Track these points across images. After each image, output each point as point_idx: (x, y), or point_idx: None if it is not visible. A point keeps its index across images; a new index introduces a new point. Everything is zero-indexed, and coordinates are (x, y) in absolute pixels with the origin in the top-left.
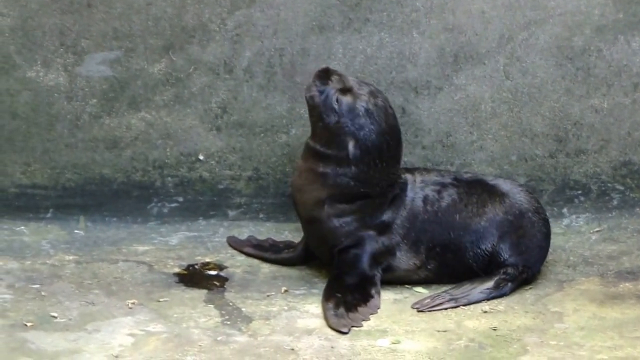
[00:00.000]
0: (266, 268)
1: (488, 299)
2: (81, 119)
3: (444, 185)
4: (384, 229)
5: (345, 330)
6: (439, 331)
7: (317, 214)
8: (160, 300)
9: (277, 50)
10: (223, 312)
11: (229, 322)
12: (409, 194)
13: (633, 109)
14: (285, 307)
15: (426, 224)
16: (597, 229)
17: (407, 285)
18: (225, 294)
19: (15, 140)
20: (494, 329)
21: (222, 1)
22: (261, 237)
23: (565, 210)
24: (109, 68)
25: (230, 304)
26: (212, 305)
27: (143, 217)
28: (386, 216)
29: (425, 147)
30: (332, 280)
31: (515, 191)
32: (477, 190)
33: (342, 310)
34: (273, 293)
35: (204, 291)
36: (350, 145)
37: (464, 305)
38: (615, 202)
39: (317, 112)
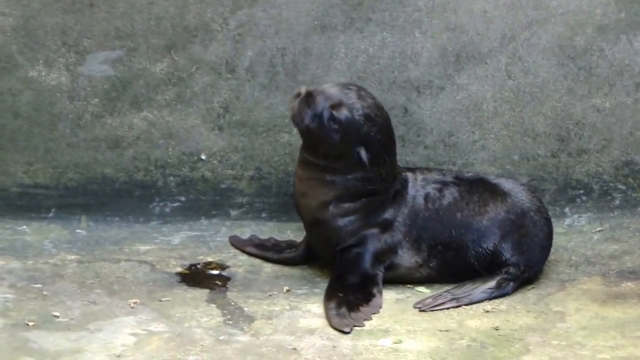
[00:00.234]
0: (268, 267)
1: (490, 299)
2: (83, 118)
3: (445, 184)
4: (386, 226)
5: (347, 329)
6: (441, 331)
7: (321, 215)
8: (163, 299)
9: (279, 50)
10: (225, 311)
11: (231, 322)
12: (410, 191)
13: (635, 108)
14: (288, 307)
15: (427, 221)
16: (599, 229)
17: (409, 285)
18: (228, 293)
19: (17, 140)
20: (496, 329)
21: (224, 1)
22: (263, 237)
23: (567, 209)
24: (111, 67)
25: (233, 303)
26: (214, 305)
27: (145, 217)
28: (388, 214)
29: (427, 146)
30: (334, 280)
31: (517, 190)
32: (479, 189)
33: (344, 309)
34: (275, 293)
35: (206, 291)
36: (362, 154)
37: (466, 304)
38: (617, 202)
39: (317, 137)
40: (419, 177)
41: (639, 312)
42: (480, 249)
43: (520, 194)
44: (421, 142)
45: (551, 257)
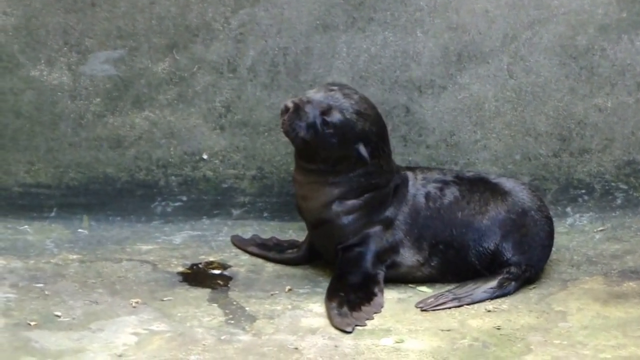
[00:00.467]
0: (270, 267)
1: (492, 298)
2: (85, 118)
3: (445, 183)
4: (388, 225)
5: (349, 329)
6: (442, 330)
7: (325, 215)
8: (164, 299)
9: (281, 50)
10: (227, 311)
11: (232, 321)
12: (411, 190)
13: (637, 108)
14: (289, 306)
15: (428, 220)
16: (601, 228)
17: (410, 285)
18: (229, 293)
19: (19, 139)
20: (498, 328)
21: (225, 0)
22: (265, 236)
23: (569, 209)
24: (112, 67)
25: (234, 303)
26: (215, 304)
27: (147, 216)
28: (389, 212)
29: (429, 146)
30: (336, 279)
31: (518, 189)
32: (480, 188)
33: (345, 309)
34: (277, 292)
35: (208, 290)
36: (362, 150)
37: (468, 304)
38: (619, 201)
39: (315, 146)
40: (419, 176)
41: None
42: (481, 249)
43: (521, 193)
44: (423, 141)
45: (553, 256)
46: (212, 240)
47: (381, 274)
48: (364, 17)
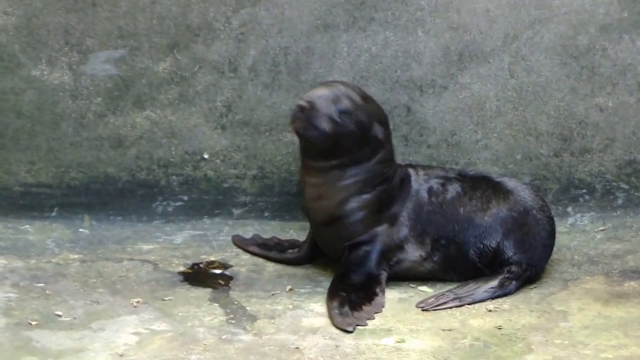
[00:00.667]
0: (271, 267)
1: (492, 298)
2: (86, 117)
3: (448, 179)
4: (394, 221)
5: (350, 329)
6: (443, 330)
7: (339, 212)
8: (165, 299)
9: (282, 49)
10: (228, 310)
11: (233, 321)
12: (414, 185)
13: (638, 107)
14: (290, 306)
15: (431, 215)
16: (602, 228)
17: (411, 285)
18: (230, 292)
19: (20, 139)
20: (499, 328)
21: (226, 0)
22: (266, 236)
23: (570, 209)
24: (113, 67)
25: (235, 302)
26: (216, 304)
27: (148, 216)
28: (395, 208)
29: (430, 146)
30: (338, 278)
31: (520, 189)
32: (482, 185)
33: (346, 309)
34: (278, 292)
35: (209, 290)
36: (378, 131)
37: (469, 304)
38: (620, 201)
39: (336, 137)
40: (420, 172)
41: None
42: (482, 246)
43: (523, 192)
44: (424, 141)
45: (554, 256)
46: (213, 240)
47: (384, 275)
48: (365, 17)
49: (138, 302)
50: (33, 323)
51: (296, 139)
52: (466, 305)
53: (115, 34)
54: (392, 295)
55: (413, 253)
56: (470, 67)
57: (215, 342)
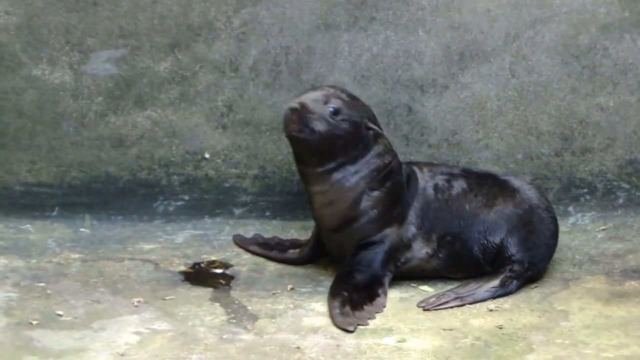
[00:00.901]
0: (272, 266)
1: (494, 298)
2: (87, 117)
3: (453, 175)
4: (402, 220)
5: (351, 328)
6: (444, 329)
7: (353, 213)
8: (166, 298)
9: (282, 49)
10: (229, 310)
11: (234, 321)
12: (420, 182)
13: (639, 107)
14: (291, 306)
15: (437, 212)
16: (603, 228)
17: (412, 284)
18: (231, 292)
19: (21, 139)
20: (500, 328)
21: None
22: (267, 236)
23: (571, 208)
24: (114, 66)
25: (236, 302)
26: (217, 304)
27: (149, 216)
28: (403, 205)
29: (431, 145)
30: (341, 277)
31: (526, 188)
32: (488, 182)
33: (347, 308)
34: (279, 291)
35: (210, 289)
36: (370, 124)
37: (470, 303)
38: (621, 201)
39: (330, 136)
40: (425, 169)
41: None
42: (486, 242)
43: (529, 191)
44: (425, 141)
45: (555, 255)
46: (214, 240)
47: (388, 277)
48: (366, 17)
49: (139, 301)
50: (34, 323)
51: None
52: (467, 305)
53: (116, 34)
54: (393, 295)
55: (420, 251)
56: (471, 66)
57: (216, 341)
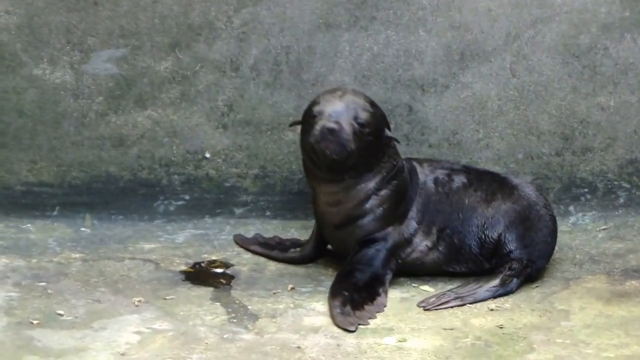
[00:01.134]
0: (272, 266)
1: (494, 297)
2: (87, 116)
3: (453, 170)
4: (405, 216)
5: (351, 328)
6: (445, 329)
7: (358, 212)
8: (167, 298)
9: (283, 48)
10: (229, 309)
11: (235, 320)
12: (420, 177)
13: (639, 107)
14: (292, 305)
15: (438, 205)
16: (604, 227)
17: (413, 284)
18: (232, 291)
19: (21, 138)
20: (500, 327)
21: None
22: (268, 235)
23: (571, 208)
24: (115, 66)
25: (237, 301)
26: (218, 303)
27: (149, 215)
28: (407, 201)
29: (431, 145)
30: (341, 276)
31: (525, 185)
32: (488, 179)
33: (348, 308)
34: (279, 291)
35: (210, 289)
36: (389, 134)
37: (470, 303)
38: (621, 200)
39: (360, 150)
40: (425, 164)
41: None
42: (484, 236)
43: (527, 189)
44: (425, 140)
45: (555, 255)
46: (215, 239)
47: (389, 276)
48: (367, 16)
49: (140, 301)
50: (34, 322)
51: (297, 143)
52: (468, 305)
53: (116, 33)
54: (393, 295)
55: (420, 244)
56: (472, 66)
57: (216, 341)
